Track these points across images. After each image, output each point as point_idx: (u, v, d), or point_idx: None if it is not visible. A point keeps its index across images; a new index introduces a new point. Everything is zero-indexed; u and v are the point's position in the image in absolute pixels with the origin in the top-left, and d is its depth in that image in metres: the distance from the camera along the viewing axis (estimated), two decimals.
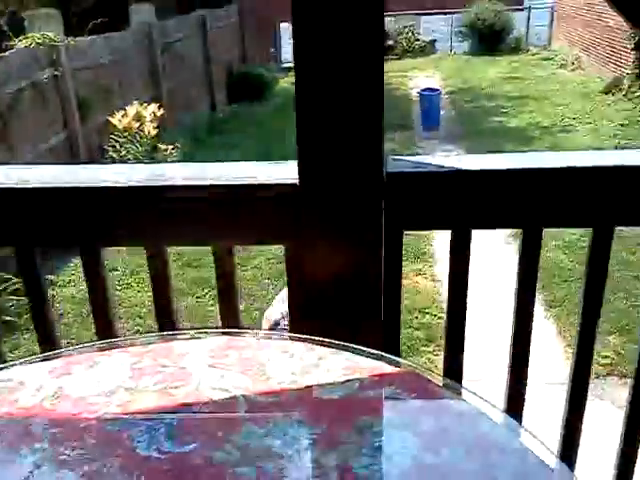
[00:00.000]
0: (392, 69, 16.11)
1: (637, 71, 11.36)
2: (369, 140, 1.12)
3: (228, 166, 1.27)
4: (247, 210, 1.23)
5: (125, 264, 5.98)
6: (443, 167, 1.22)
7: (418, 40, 18.67)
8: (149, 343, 0.96)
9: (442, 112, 10.88)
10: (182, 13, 12.20)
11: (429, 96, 10.59)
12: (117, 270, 5.91)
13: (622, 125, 9.83)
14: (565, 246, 5.68)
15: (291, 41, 1.09)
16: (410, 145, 9.76)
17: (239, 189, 1.20)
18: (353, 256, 1.21)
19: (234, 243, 1.33)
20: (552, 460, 0.74)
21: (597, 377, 3.99)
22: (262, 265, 5.71)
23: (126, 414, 0.82)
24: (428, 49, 18.66)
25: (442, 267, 5.31)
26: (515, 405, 1.41)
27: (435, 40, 19.15)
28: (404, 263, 4.68)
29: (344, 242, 1.20)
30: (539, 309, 4.86)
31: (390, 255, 1.24)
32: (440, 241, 5.68)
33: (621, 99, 11.24)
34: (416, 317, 4.76)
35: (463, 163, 1.23)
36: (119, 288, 5.61)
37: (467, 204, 1.23)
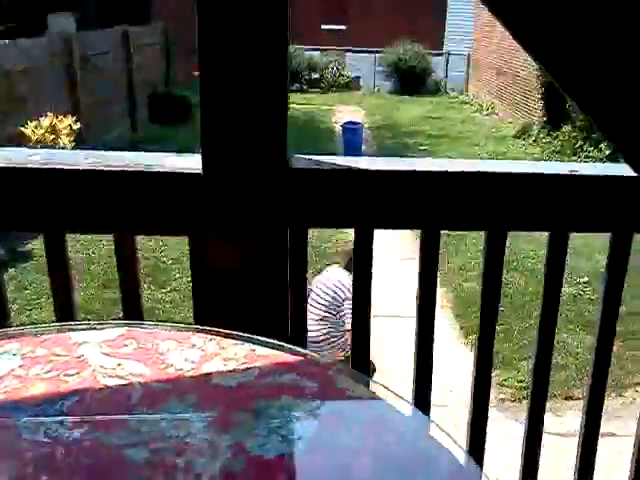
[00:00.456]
0: (317, 102, 16.44)
1: (544, 119, 12.09)
2: (272, 135, 1.14)
3: (130, 154, 1.26)
4: (149, 198, 1.21)
5: (35, 283, 5.65)
6: (344, 166, 1.24)
7: (343, 75, 19.16)
8: (43, 333, 0.92)
9: (364, 146, 11.13)
10: (104, 27, 11.88)
11: (351, 129, 10.84)
12: (27, 289, 5.57)
13: None
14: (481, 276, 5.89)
15: None
16: None
17: (141, 176, 1.18)
18: (257, 249, 1.21)
19: (137, 232, 1.32)
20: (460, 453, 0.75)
21: (514, 400, 4.13)
22: (182, 287, 5.59)
23: (13, 400, 0.78)
24: (352, 85, 19.17)
25: None
26: (423, 397, 1.43)
27: (360, 77, 19.71)
28: (324, 265, 4.62)
29: (247, 235, 1.20)
30: (456, 335, 4.96)
31: (295, 250, 1.25)
32: None
33: (531, 144, 11.90)
34: None
35: (363, 163, 1.26)
36: (29, 308, 5.30)
37: (368, 203, 1.25)
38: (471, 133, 13.07)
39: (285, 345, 0.90)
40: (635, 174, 1.11)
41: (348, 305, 3.63)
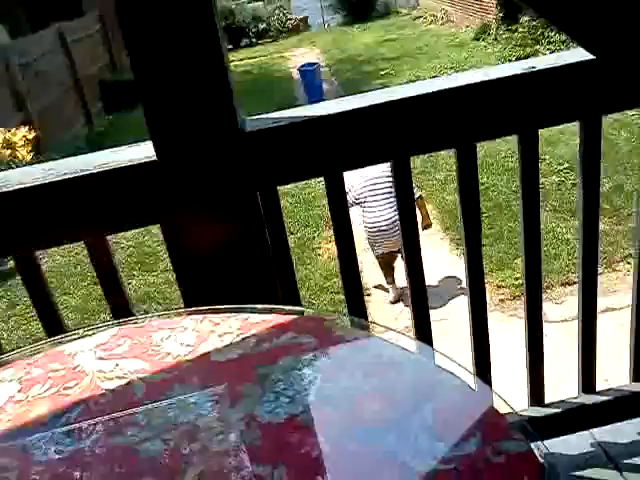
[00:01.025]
0: (269, 51, 16.06)
1: (501, 14, 11.85)
2: (219, 103, 1.11)
3: (82, 157, 1.24)
4: (111, 197, 1.20)
5: (25, 298, 5.58)
6: (300, 117, 1.22)
7: (290, 19, 18.66)
8: (37, 353, 0.92)
9: (325, 85, 10.94)
10: (37, 29, 11.50)
11: (309, 71, 10.63)
12: (18, 305, 5.56)
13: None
14: None
15: None
16: None
17: (97, 178, 1.16)
18: (231, 219, 1.20)
19: (107, 232, 1.29)
20: (467, 376, 0.76)
21: (513, 298, 4.14)
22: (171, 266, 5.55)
23: (18, 426, 0.77)
24: (302, 26, 18.69)
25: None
26: (423, 332, 1.45)
27: (307, 17, 19.21)
28: (314, 234, 4.70)
29: (218, 208, 1.19)
30: (447, 248, 4.99)
31: (269, 211, 1.25)
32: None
33: (491, 43, 11.69)
34: (334, 282, 4.75)
35: (319, 110, 1.24)
36: (24, 322, 5.28)
37: (332, 148, 1.24)
38: (429, 47, 12.81)
39: (277, 307, 0.89)
40: (592, 56, 1.08)
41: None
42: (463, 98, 1.23)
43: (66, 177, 1.15)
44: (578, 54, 1.20)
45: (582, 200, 1.38)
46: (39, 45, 10.67)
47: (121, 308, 1.31)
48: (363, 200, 4.20)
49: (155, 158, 1.14)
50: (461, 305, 3.68)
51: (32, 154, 7.74)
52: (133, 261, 5.85)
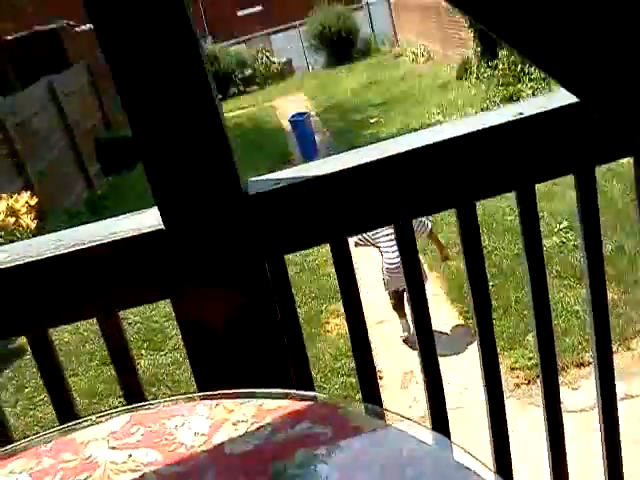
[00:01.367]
0: (258, 101, 16.17)
1: (479, 49, 11.99)
2: (220, 167, 1.09)
3: (88, 227, 1.21)
4: (120, 269, 1.17)
5: (34, 379, 5.53)
6: (303, 177, 1.17)
7: (274, 63, 18.89)
8: (47, 442, 0.88)
9: (316, 136, 11.03)
10: (26, 85, 11.30)
11: (299, 121, 10.66)
12: (26, 387, 5.49)
13: (483, 109, 10.39)
14: None
15: None
16: None
17: (104, 249, 1.13)
18: (240, 292, 1.16)
19: (116, 308, 1.24)
20: (489, 475, 0.73)
21: (528, 383, 4.04)
22: (181, 345, 5.51)
23: None
24: (286, 70, 18.92)
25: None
26: (439, 414, 1.38)
27: (291, 59, 19.45)
28: (322, 307, 4.71)
29: (226, 279, 1.15)
30: (456, 321, 5.02)
31: (277, 282, 1.20)
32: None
33: (474, 83, 11.89)
34: (344, 363, 4.65)
35: (324, 167, 1.19)
36: (32, 407, 5.20)
37: (334, 211, 1.20)
38: (415, 89, 12.99)
39: (292, 392, 0.87)
40: (577, 99, 1.06)
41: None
42: (457, 150, 1.18)
43: (76, 249, 1.13)
44: (563, 97, 1.15)
45: (587, 266, 1.29)
46: (31, 102, 10.47)
47: (133, 388, 1.27)
48: (379, 241, 4.51)
49: (162, 226, 1.11)
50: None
51: (36, 222, 7.71)
52: (141, 339, 5.79)
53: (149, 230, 1.12)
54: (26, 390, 5.49)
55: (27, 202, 7.90)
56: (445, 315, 5.07)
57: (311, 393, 0.88)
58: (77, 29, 14.24)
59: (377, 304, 5.06)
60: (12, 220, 7.67)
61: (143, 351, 5.62)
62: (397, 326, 5.01)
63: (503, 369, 4.12)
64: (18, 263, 1.13)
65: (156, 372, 5.26)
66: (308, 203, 1.18)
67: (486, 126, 1.17)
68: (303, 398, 0.86)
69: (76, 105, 12.20)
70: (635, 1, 0.45)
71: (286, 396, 0.86)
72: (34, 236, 7.79)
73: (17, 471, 0.82)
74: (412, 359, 4.55)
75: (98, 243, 1.12)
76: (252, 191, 1.14)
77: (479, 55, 12.07)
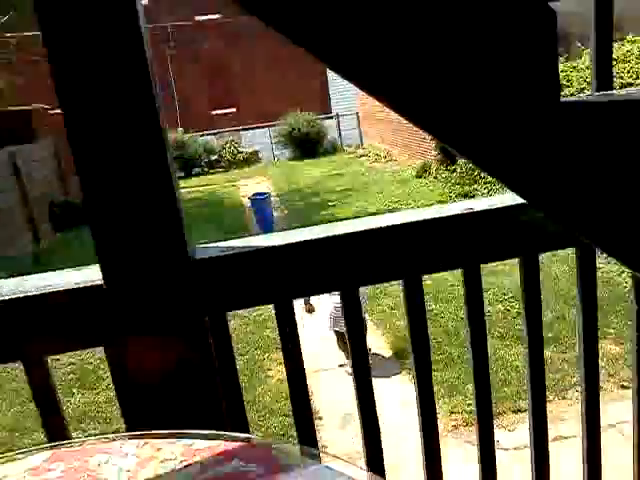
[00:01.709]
0: (220, 181, 16.57)
1: (439, 156, 12.72)
2: (168, 231, 1.12)
3: (27, 278, 1.21)
4: (54, 319, 1.17)
5: None
6: (249, 247, 1.24)
7: (241, 152, 19.50)
8: None
9: (275, 213, 11.25)
10: None
11: (259, 199, 10.94)
12: None
13: (439, 202, 10.80)
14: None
15: None
16: None
17: (40, 300, 1.14)
18: (179, 346, 1.18)
19: (47, 354, 1.24)
20: None
21: (466, 425, 4.10)
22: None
23: None
24: (252, 159, 19.53)
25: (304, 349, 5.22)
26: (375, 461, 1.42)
27: (258, 151, 20.15)
28: (264, 355, 4.68)
29: (165, 335, 1.17)
30: (399, 377, 4.96)
31: (218, 336, 1.24)
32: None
33: (432, 181, 12.42)
34: (284, 404, 4.64)
35: (269, 240, 1.27)
36: None
37: (282, 277, 1.26)
38: (374, 182, 13.50)
39: (224, 433, 0.85)
40: (523, 200, 1.18)
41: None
42: (410, 233, 1.28)
43: (6, 298, 1.14)
44: (512, 197, 1.28)
45: (527, 330, 1.43)
46: None
47: (57, 429, 1.25)
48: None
49: (101, 282, 1.13)
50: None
51: None
52: (74, 378, 5.58)
53: (87, 285, 1.14)
54: None
55: None
56: (390, 369, 5.07)
57: (244, 435, 0.87)
58: (50, 112, 14.87)
59: (319, 354, 5.25)
60: None
61: (75, 390, 5.45)
62: (338, 374, 4.98)
63: (442, 413, 4.12)
64: None
65: (87, 410, 5.06)
66: (255, 268, 1.24)
67: (442, 215, 1.30)
68: (235, 439, 0.85)
69: (36, 172, 12.54)
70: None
71: (218, 437, 0.84)
72: None
73: None
74: (351, 403, 4.42)
75: (31, 294, 1.15)
76: (199, 256, 1.19)
77: (439, 160, 12.71)
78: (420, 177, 13.04)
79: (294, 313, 1.29)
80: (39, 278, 1.20)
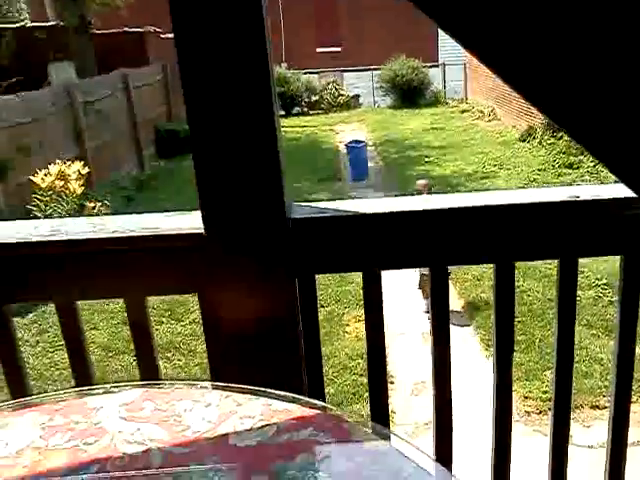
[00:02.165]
0: (319, 123, 16.54)
1: (547, 121, 12.09)
2: (270, 188, 1.14)
3: (133, 217, 1.27)
4: (154, 261, 1.23)
5: (56, 325, 5.73)
6: (346, 211, 1.24)
7: (342, 95, 19.28)
8: (61, 400, 0.92)
9: (369, 163, 11.16)
10: (104, 72, 12.11)
11: (356, 148, 10.87)
12: (47, 332, 5.65)
13: (539, 170, 10.36)
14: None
15: None
16: (342, 194, 9.94)
17: (144, 240, 1.19)
18: (267, 301, 1.22)
19: (145, 294, 1.31)
20: None
21: (539, 412, 4.06)
22: (200, 319, 5.59)
23: (33, 474, 0.77)
24: (352, 103, 19.29)
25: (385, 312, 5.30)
26: (444, 450, 1.41)
27: (359, 95, 19.85)
28: (344, 310, 4.73)
29: (255, 288, 1.21)
30: (477, 348, 4.93)
31: (305, 298, 1.26)
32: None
33: (536, 146, 11.88)
34: (358, 363, 4.73)
35: (365, 207, 1.26)
36: (51, 350, 5.34)
37: (373, 246, 1.26)
38: (475, 141, 13.07)
39: (301, 398, 0.88)
40: (635, 195, 1.10)
41: None
42: (508, 216, 1.24)
43: (114, 235, 1.19)
44: (621, 189, 1.21)
45: (619, 322, 1.35)
46: (103, 86, 11.22)
47: (148, 357, 1.33)
48: None
49: (202, 231, 1.16)
50: None
51: (82, 188, 8.02)
52: (164, 307, 5.88)
53: (189, 232, 1.18)
54: (47, 334, 5.64)
55: (79, 170, 8.18)
56: (469, 343, 5.02)
57: (320, 402, 0.89)
58: (162, 35, 15.18)
59: (401, 317, 5.25)
60: (61, 183, 7.99)
61: (164, 319, 5.73)
62: (416, 338, 5.01)
63: (516, 397, 4.07)
64: (61, 239, 1.20)
65: (173, 340, 5.35)
66: (347, 233, 1.24)
67: (543, 200, 1.24)
68: (310, 406, 0.87)
69: (144, 97, 12.90)
70: None
71: (295, 401, 0.87)
72: (78, 199, 8.09)
73: (30, 423, 0.86)
74: (426, 372, 4.45)
75: (135, 235, 1.20)
76: (295, 215, 1.20)
77: (546, 125, 12.10)
78: (524, 141, 12.50)
79: (381, 284, 1.28)
80: (143, 218, 1.25)
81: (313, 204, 1.26)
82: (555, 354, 1.37)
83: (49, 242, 1.19)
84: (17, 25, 14.93)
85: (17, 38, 13.28)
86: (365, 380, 4.35)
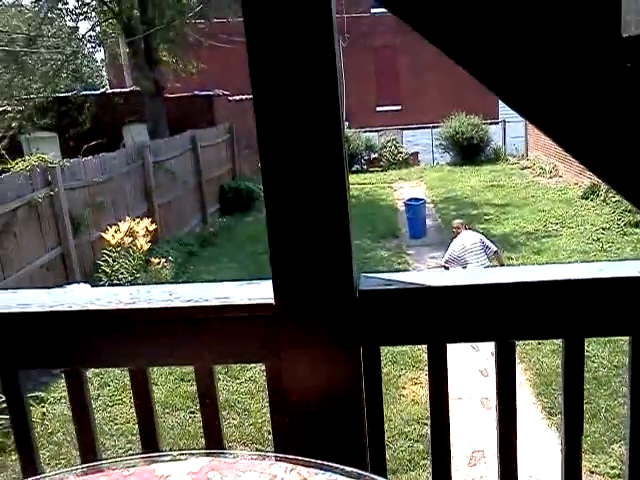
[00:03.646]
0: (378, 180, 16.71)
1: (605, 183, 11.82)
2: (340, 261, 1.17)
3: (205, 286, 1.31)
4: (225, 330, 1.26)
5: (117, 379, 5.91)
6: (413, 283, 1.26)
7: (401, 152, 19.50)
8: (130, 466, 0.94)
9: (428, 221, 11.16)
10: (174, 132, 12.74)
11: (414, 206, 10.91)
12: (109, 385, 5.82)
13: (604, 229, 10.11)
14: (560, 351, 5.71)
15: None
16: (400, 252, 9.97)
17: (217, 310, 1.23)
18: (332, 372, 1.23)
19: (213, 363, 1.35)
20: None
21: None
22: (256, 377, 5.66)
23: None
24: (411, 161, 19.46)
25: None
26: None
27: (418, 152, 20.02)
28: (401, 372, 4.73)
29: (322, 359, 1.22)
30: (539, 416, 4.80)
31: (369, 369, 1.26)
32: None
33: (600, 204, 11.62)
34: (414, 428, 4.66)
35: (432, 280, 1.28)
36: (110, 404, 5.50)
37: (439, 319, 1.26)
38: (535, 198, 12.90)
39: (366, 475, 0.88)
40: None
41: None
42: (577, 291, 1.23)
43: (189, 305, 1.24)
44: None
45: None
46: (173, 147, 11.79)
47: (211, 418, 1.36)
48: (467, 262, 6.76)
49: (272, 301, 1.19)
50: None
51: (149, 244, 8.37)
52: (223, 366, 5.98)
53: (260, 302, 1.22)
54: (108, 387, 5.83)
55: (146, 227, 8.59)
56: (528, 408, 4.87)
57: (382, 479, 0.89)
58: (229, 98, 15.94)
59: (460, 382, 5.14)
60: (129, 240, 8.38)
61: (220, 376, 5.82)
62: (475, 404, 4.90)
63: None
64: (137, 307, 1.27)
65: (229, 398, 5.41)
66: (414, 306, 1.26)
67: (607, 276, 1.23)
68: None
69: (210, 156, 13.49)
70: None
71: (360, 477, 0.86)
72: (144, 255, 8.44)
73: None
74: (483, 439, 4.36)
75: (210, 304, 1.25)
76: (363, 287, 1.23)
77: None
78: (587, 198, 12.26)
79: (446, 357, 1.28)
80: (216, 288, 1.30)
81: (380, 275, 1.28)
82: (630, 426, 1.32)
83: (129, 310, 1.26)
84: (98, 92, 15.98)
85: (98, 104, 14.18)
86: (421, 446, 4.34)
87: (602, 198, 11.83)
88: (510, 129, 19.87)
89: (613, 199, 11.46)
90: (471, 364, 5.58)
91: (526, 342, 5.86)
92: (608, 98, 0.86)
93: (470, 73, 0.88)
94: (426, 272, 1.43)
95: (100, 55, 20.88)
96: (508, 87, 0.90)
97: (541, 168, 15.87)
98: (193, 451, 0.97)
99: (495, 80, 0.89)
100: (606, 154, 0.92)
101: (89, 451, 1.39)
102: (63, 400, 5.54)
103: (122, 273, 7.91)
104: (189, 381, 5.65)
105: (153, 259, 8.50)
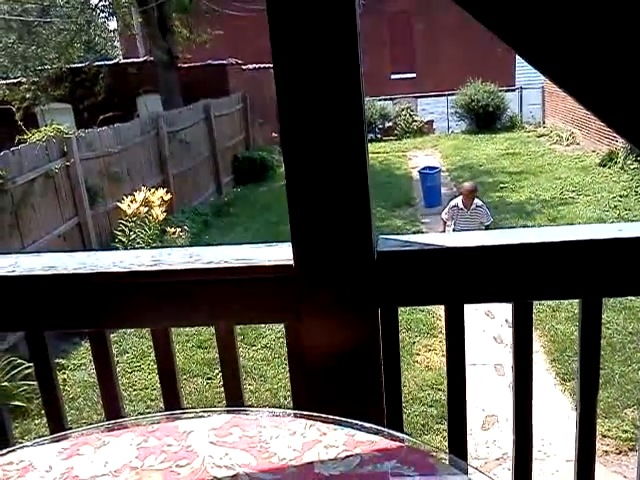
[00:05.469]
0: (392, 149, 16.59)
1: (629, 145, 11.66)
2: (358, 222, 1.18)
3: (225, 249, 1.33)
4: (245, 291, 1.29)
5: (135, 347, 6.02)
6: (431, 245, 1.27)
7: (416, 121, 19.28)
8: (154, 422, 0.96)
9: (443, 189, 11.10)
10: (188, 102, 12.70)
11: (429, 174, 10.85)
12: (127, 353, 5.93)
13: (621, 196, 10.00)
14: (575, 318, 5.72)
15: None
16: (414, 220, 9.96)
17: (237, 271, 1.26)
18: (350, 333, 1.25)
19: (234, 323, 1.39)
20: None
21: (619, 453, 3.91)
22: (272, 344, 5.73)
23: None
24: (426, 129, 19.26)
25: None
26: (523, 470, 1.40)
27: (433, 120, 19.79)
28: (415, 339, 4.76)
29: (341, 320, 1.25)
30: (552, 382, 4.83)
31: (387, 330, 1.29)
32: None
33: (618, 171, 11.47)
34: (428, 394, 4.72)
35: (450, 241, 1.29)
36: (129, 371, 5.61)
37: (457, 280, 1.27)
38: (552, 166, 12.76)
39: (384, 430, 0.89)
40: None
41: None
42: (595, 251, 1.23)
43: (210, 266, 1.27)
44: None
45: None
46: (187, 117, 11.76)
47: (235, 392, 1.40)
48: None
49: (291, 262, 1.21)
50: None
51: (165, 214, 8.42)
52: (238, 333, 6.07)
53: (279, 263, 1.24)
54: (127, 355, 5.94)
55: (162, 197, 8.61)
56: (542, 374, 4.90)
57: (401, 435, 0.90)
58: (243, 67, 15.81)
59: (474, 349, 5.13)
60: (145, 210, 8.43)
61: (237, 342, 5.85)
62: (489, 370, 4.94)
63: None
64: (156, 269, 1.30)
65: (245, 365, 5.48)
66: (432, 267, 1.27)
67: (626, 236, 1.23)
68: (393, 438, 0.88)
69: (224, 126, 13.45)
70: None
71: (378, 432, 0.89)
72: (160, 224, 8.51)
73: (127, 444, 0.90)
74: (497, 404, 4.40)
75: (230, 266, 1.27)
76: (381, 248, 1.24)
77: (628, 149, 11.67)
78: (604, 166, 12.10)
79: (463, 317, 1.29)
80: (236, 250, 1.32)
81: (398, 237, 1.29)
82: None
83: (151, 272, 1.28)
84: (112, 62, 15.91)
85: (111, 74, 14.14)
86: (434, 411, 4.40)
87: (620, 165, 11.67)
88: (527, 96, 19.53)
89: (631, 166, 11.31)
90: (485, 331, 5.61)
91: (540, 310, 5.88)
92: (634, 54, 0.86)
93: (490, 29, 0.87)
94: (444, 234, 1.42)
95: (113, 25, 20.72)
96: (532, 45, 0.89)
97: (558, 135, 15.65)
98: (215, 409, 0.99)
99: (520, 39, 0.89)
100: (631, 112, 0.91)
101: (113, 410, 1.43)
102: (83, 367, 5.67)
103: (138, 242, 7.98)
104: (206, 348, 5.73)
105: (169, 229, 8.56)
